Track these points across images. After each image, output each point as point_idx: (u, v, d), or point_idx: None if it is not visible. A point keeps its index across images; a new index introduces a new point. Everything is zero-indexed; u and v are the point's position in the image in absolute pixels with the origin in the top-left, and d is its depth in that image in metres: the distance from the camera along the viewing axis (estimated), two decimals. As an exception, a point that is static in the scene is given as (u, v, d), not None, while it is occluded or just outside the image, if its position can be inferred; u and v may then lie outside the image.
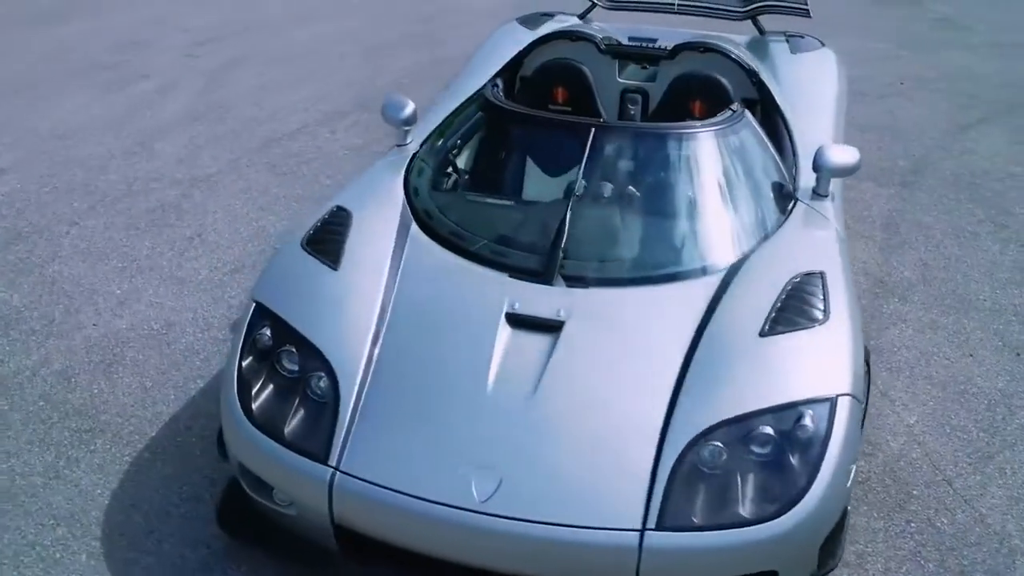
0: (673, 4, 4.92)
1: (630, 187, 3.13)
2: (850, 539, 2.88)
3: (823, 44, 4.77)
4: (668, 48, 4.22)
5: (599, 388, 2.54)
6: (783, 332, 2.62)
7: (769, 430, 2.39)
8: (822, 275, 2.83)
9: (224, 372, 2.76)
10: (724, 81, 3.98)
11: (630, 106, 4.31)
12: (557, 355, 2.60)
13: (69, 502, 3.05)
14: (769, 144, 3.47)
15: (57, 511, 3.02)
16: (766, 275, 2.84)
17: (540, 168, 3.34)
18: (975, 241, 4.87)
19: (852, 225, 4.68)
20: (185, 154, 5.85)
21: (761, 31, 4.88)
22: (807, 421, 2.40)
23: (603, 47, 4.24)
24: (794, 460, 2.36)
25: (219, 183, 5.43)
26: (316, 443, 2.50)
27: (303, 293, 2.86)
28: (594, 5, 4.99)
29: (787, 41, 4.72)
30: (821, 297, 2.74)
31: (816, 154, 3.26)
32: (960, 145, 6.24)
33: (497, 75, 4.12)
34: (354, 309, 2.78)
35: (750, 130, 3.38)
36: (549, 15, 5.03)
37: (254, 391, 2.65)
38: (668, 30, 4.61)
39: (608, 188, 3.11)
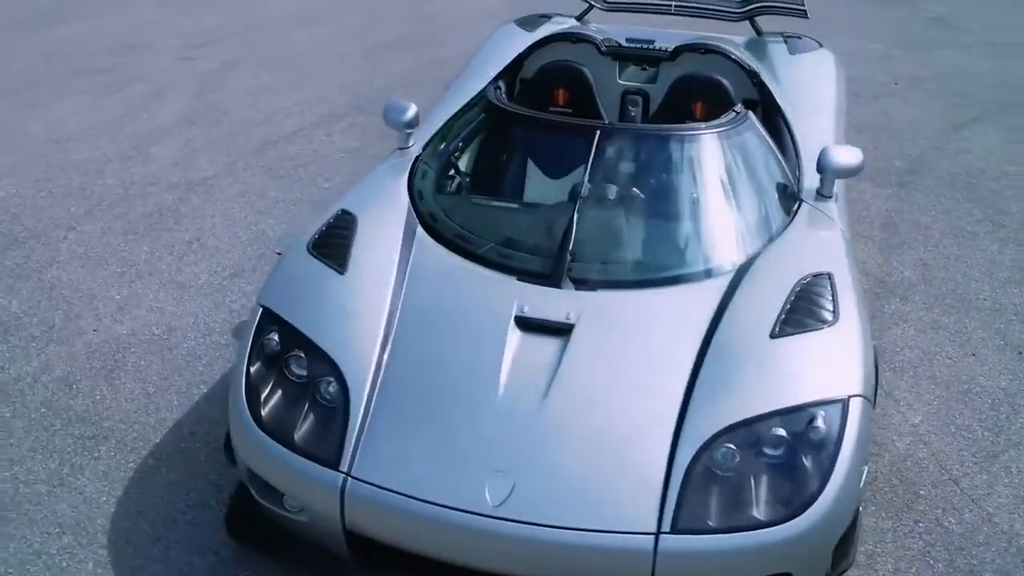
0: (670, 5, 4.93)
1: (637, 189, 3.13)
2: (860, 540, 2.88)
3: (821, 45, 4.78)
4: (668, 49, 4.22)
5: (611, 391, 2.53)
6: (793, 334, 2.62)
7: (782, 432, 2.39)
8: (830, 276, 2.83)
9: (232, 377, 2.74)
10: (725, 82, 3.98)
11: (631, 108, 4.31)
12: (568, 358, 2.59)
13: (74, 510, 3.03)
14: (773, 145, 3.48)
15: (62, 519, 2.99)
16: (774, 277, 2.85)
17: (546, 170, 3.33)
18: (974, 240, 4.89)
19: (851, 225, 4.68)
20: (181, 157, 5.82)
21: (759, 32, 4.89)
22: (819, 423, 2.40)
23: (604, 49, 4.24)
24: (807, 462, 2.36)
25: (216, 187, 5.40)
26: (327, 448, 2.48)
27: (310, 298, 2.84)
28: (591, 7, 4.99)
29: (785, 42, 4.73)
30: (830, 298, 2.74)
31: (820, 155, 3.27)
32: (955, 145, 6.27)
33: (498, 77, 4.11)
34: (362, 313, 2.77)
35: (754, 131, 3.38)
36: (547, 17, 5.03)
37: (263, 396, 2.64)
38: (666, 31, 4.62)
39: (614, 190, 3.10)
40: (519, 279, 2.85)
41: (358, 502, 2.41)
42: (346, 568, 2.59)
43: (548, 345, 2.65)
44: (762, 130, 3.47)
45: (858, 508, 2.54)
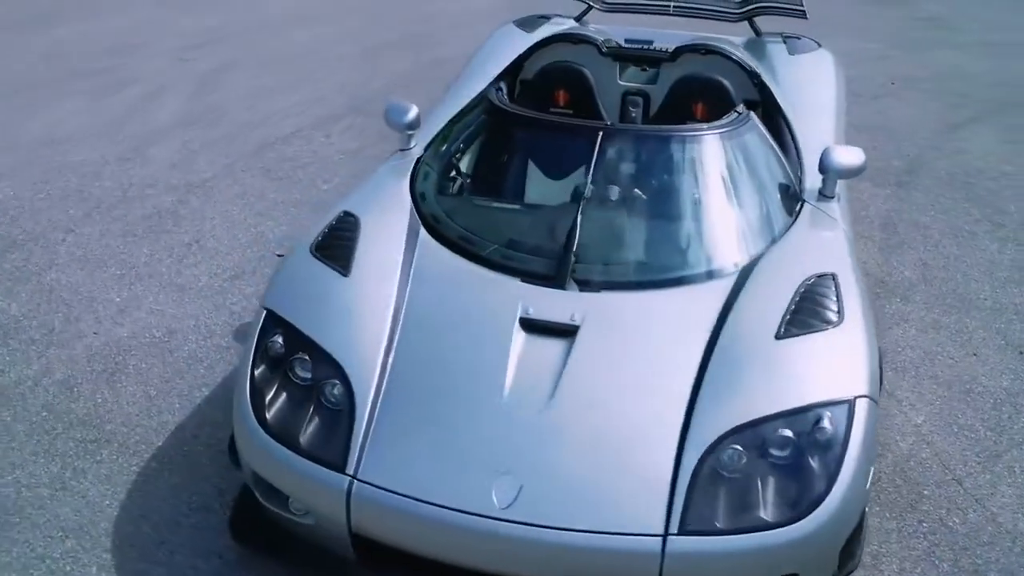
0: (669, 6, 4.93)
1: (640, 190, 3.13)
2: (865, 540, 2.88)
3: (820, 45, 4.78)
4: (669, 50, 4.22)
5: (617, 392, 2.53)
6: (798, 335, 2.62)
7: (788, 433, 2.39)
8: (834, 277, 2.83)
9: (236, 380, 2.73)
10: (726, 83, 3.98)
11: (631, 108, 4.31)
12: (573, 360, 2.59)
13: (77, 514, 3.02)
14: (775, 146, 3.48)
15: (65, 523, 2.98)
16: (778, 277, 2.85)
17: (548, 171, 3.32)
18: (973, 240, 4.90)
19: (852, 225, 4.69)
20: (179, 159, 5.80)
21: (757, 32, 4.89)
22: (826, 424, 2.40)
23: (604, 50, 4.24)
24: (814, 463, 2.36)
25: (215, 188, 5.39)
26: (333, 451, 2.47)
27: (314, 300, 2.83)
28: (590, 7, 4.98)
29: (784, 42, 4.73)
30: (834, 299, 2.74)
31: (822, 155, 3.27)
32: (952, 144, 6.29)
33: (498, 78, 4.10)
34: (367, 315, 2.76)
35: (756, 132, 3.38)
36: (545, 18, 5.02)
37: (267, 399, 2.63)
38: (664, 32, 4.62)
39: (618, 191, 3.10)
40: (523, 280, 2.85)
41: (364, 505, 2.40)
42: (351, 571, 2.58)
43: (553, 347, 2.65)
44: (764, 131, 3.47)
45: (864, 509, 2.54)
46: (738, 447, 2.38)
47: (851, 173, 3.30)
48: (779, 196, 3.25)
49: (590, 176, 3.06)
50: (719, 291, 2.82)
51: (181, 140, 6.11)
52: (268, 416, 2.59)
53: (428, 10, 9.70)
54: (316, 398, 2.61)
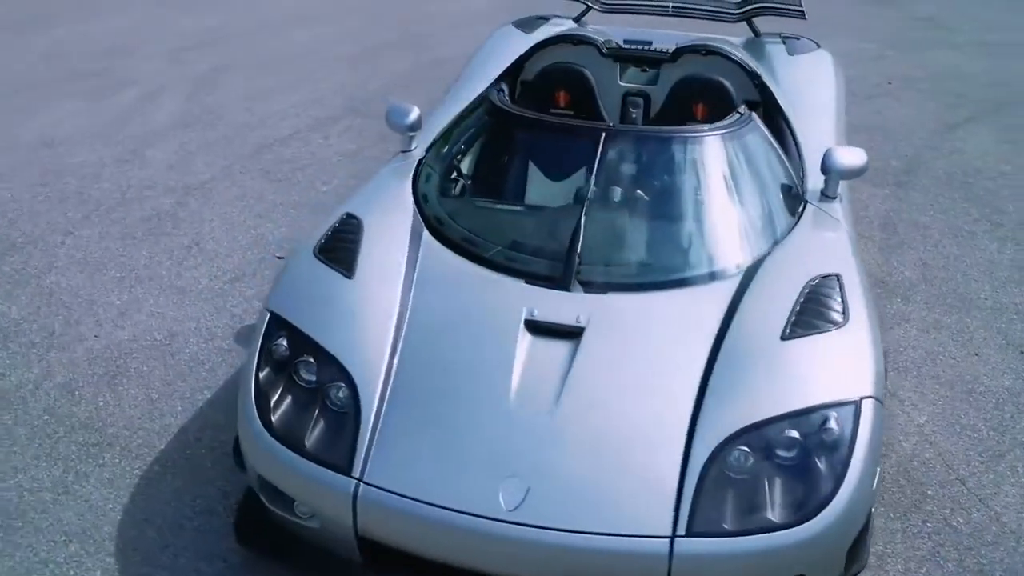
0: (667, 6, 4.93)
1: (644, 191, 3.12)
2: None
3: (819, 45, 4.79)
4: (669, 51, 4.22)
5: (623, 394, 2.53)
6: (804, 335, 2.62)
7: (795, 434, 2.39)
8: (838, 277, 2.84)
9: (240, 383, 2.72)
10: (727, 84, 3.98)
11: (632, 109, 4.31)
12: (579, 361, 2.59)
13: (80, 518, 3.00)
14: (777, 146, 3.48)
15: (68, 527, 2.97)
16: (783, 278, 2.85)
17: (552, 173, 3.32)
18: (972, 240, 4.91)
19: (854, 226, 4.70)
20: (177, 161, 5.79)
21: (756, 33, 4.89)
22: (832, 424, 2.39)
23: (605, 51, 4.24)
24: (821, 464, 2.36)
25: (213, 190, 5.38)
26: (339, 454, 2.47)
27: (319, 302, 2.83)
28: (589, 8, 4.98)
29: (783, 43, 4.74)
30: (839, 299, 2.75)
31: (825, 156, 3.27)
32: (950, 144, 6.30)
33: (498, 80, 4.10)
34: (371, 318, 2.76)
35: (759, 133, 3.39)
36: (544, 18, 5.02)
37: (272, 402, 2.62)
38: (663, 33, 4.61)
39: (622, 192, 3.10)
40: (527, 282, 2.84)
41: (371, 508, 2.40)
42: (357, 574, 2.57)
43: (559, 349, 2.64)
44: (766, 131, 3.47)
45: (871, 509, 2.54)
46: (745, 448, 2.38)
47: (853, 174, 3.31)
48: (782, 197, 3.25)
49: (593, 177, 3.06)
50: (724, 292, 2.82)
51: (178, 142, 6.09)
52: (273, 419, 2.58)
53: (427, 10, 9.68)
54: (321, 401, 2.61)
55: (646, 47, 4.36)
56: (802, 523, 2.27)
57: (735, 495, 2.33)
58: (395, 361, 2.65)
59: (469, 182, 3.48)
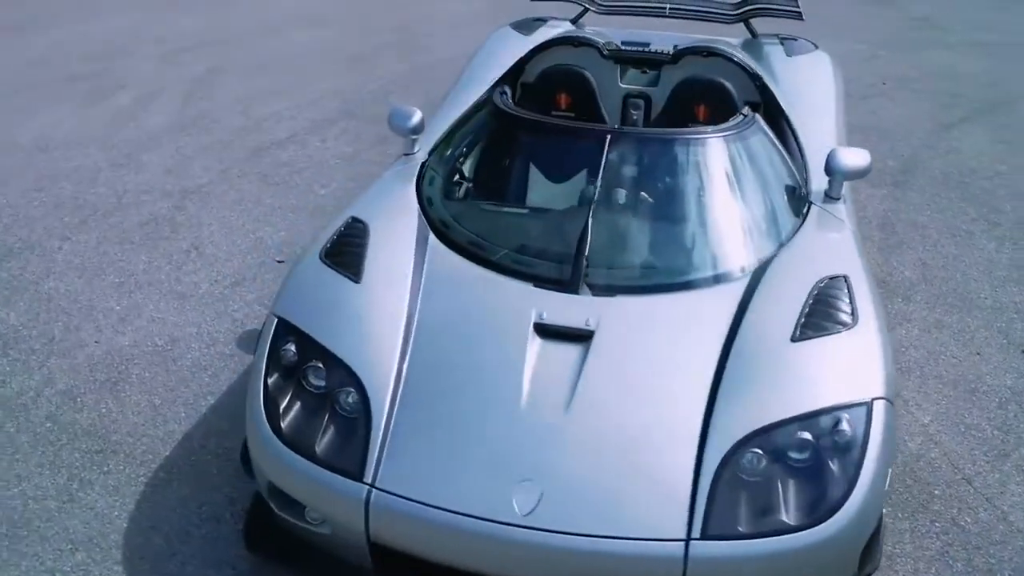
0: (665, 7, 4.92)
1: (650, 193, 3.12)
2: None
3: (816, 46, 4.79)
4: (671, 52, 4.22)
5: (634, 397, 2.52)
6: (814, 337, 2.62)
7: (807, 436, 2.39)
8: (846, 279, 2.84)
9: (249, 389, 2.70)
10: (728, 85, 3.98)
11: (632, 111, 4.31)
12: (589, 365, 2.58)
13: (86, 526, 2.98)
14: (780, 147, 3.48)
15: (74, 535, 2.94)
16: (791, 280, 2.85)
17: (558, 175, 3.32)
18: (971, 240, 4.93)
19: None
20: (173, 165, 5.76)
21: (753, 34, 4.89)
22: (845, 426, 2.40)
23: (606, 52, 4.23)
24: (834, 466, 2.36)
25: (211, 194, 5.35)
26: (350, 460, 2.46)
27: (326, 307, 2.81)
28: (586, 10, 4.97)
29: (781, 44, 4.74)
30: (847, 301, 2.75)
31: (828, 157, 3.28)
32: (946, 144, 6.33)
33: (499, 82, 4.09)
34: (380, 322, 2.74)
35: (763, 134, 3.39)
36: (542, 20, 5.01)
37: (281, 408, 2.61)
38: (660, 34, 4.61)
39: (628, 195, 3.10)
40: (536, 285, 2.83)
41: (383, 514, 2.39)
42: (367, 580, 2.56)
43: (569, 352, 2.64)
44: (770, 133, 3.48)
45: (882, 510, 2.55)
46: (757, 451, 2.38)
47: (857, 174, 3.31)
48: (786, 198, 3.25)
49: (599, 179, 3.05)
50: (732, 294, 2.82)
51: (174, 146, 6.06)
52: (283, 425, 2.57)
53: (425, 11, 9.69)
54: (331, 406, 2.59)
55: (644, 48, 4.35)
56: (817, 525, 2.27)
57: (748, 498, 2.33)
58: (404, 365, 2.64)
59: (474, 185, 3.47)
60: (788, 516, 2.29)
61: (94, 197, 5.29)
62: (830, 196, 3.33)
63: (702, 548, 2.24)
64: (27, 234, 4.86)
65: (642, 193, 3.13)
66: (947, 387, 3.70)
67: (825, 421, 2.42)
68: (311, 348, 2.69)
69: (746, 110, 3.47)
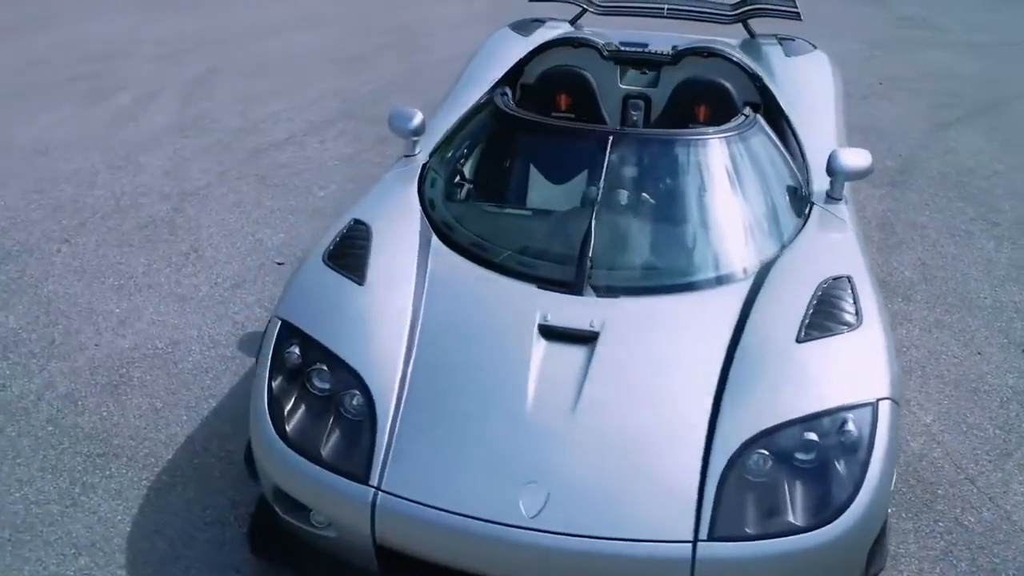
0: (663, 8, 4.92)
1: (653, 194, 3.12)
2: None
3: (815, 47, 4.80)
4: (671, 53, 4.22)
5: (640, 399, 2.52)
6: (819, 338, 2.62)
7: (813, 436, 2.39)
8: (849, 279, 2.84)
9: (253, 392, 2.69)
10: (728, 86, 3.99)
11: (632, 112, 4.31)
12: (594, 366, 2.58)
13: (89, 530, 2.97)
14: (782, 148, 3.49)
15: (78, 540, 2.93)
16: (794, 281, 2.85)
17: (560, 176, 3.32)
18: (969, 239, 4.94)
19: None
20: (172, 167, 5.75)
21: (752, 34, 4.90)
22: (850, 427, 2.40)
23: (606, 53, 4.23)
24: (840, 466, 2.36)
25: (210, 196, 5.34)
26: (356, 463, 2.45)
27: (330, 310, 2.80)
28: (584, 11, 4.97)
29: (780, 44, 4.74)
30: (851, 301, 2.75)
31: (830, 158, 3.28)
32: (943, 144, 6.34)
33: (499, 83, 4.09)
34: (384, 324, 2.74)
35: (765, 135, 3.40)
36: (540, 21, 5.00)
37: (286, 411, 2.60)
38: (658, 35, 4.61)
39: (631, 196, 3.10)
40: (539, 287, 2.83)
41: (389, 516, 2.38)
42: (373, 583, 2.56)
43: (573, 353, 2.63)
44: (771, 133, 3.48)
45: (888, 510, 2.55)
46: (764, 452, 2.38)
47: (859, 175, 3.32)
48: (789, 199, 3.26)
49: (602, 181, 3.05)
50: (736, 295, 2.82)
51: (172, 148, 6.05)
52: (287, 428, 2.56)
53: (425, 13, 9.71)
54: (335, 409, 2.59)
55: (643, 49, 4.36)
56: (824, 525, 2.27)
57: (755, 499, 2.33)
58: (409, 368, 2.64)
59: (476, 187, 3.47)
60: (795, 517, 2.29)
61: (92, 200, 5.27)
62: (832, 197, 3.34)
63: (710, 549, 2.24)
64: (25, 237, 4.84)
65: (645, 194, 3.13)
66: (948, 387, 3.71)
67: (831, 422, 2.42)
68: (315, 351, 2.68)
69: (747, 111, 3.47)
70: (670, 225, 3.09)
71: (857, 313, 2.71)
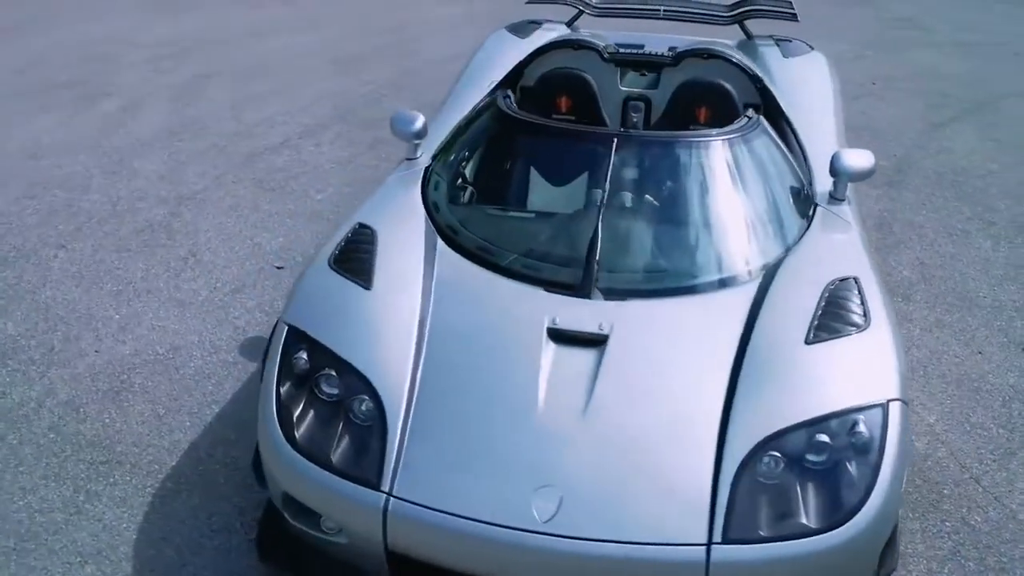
0: (659, 9, 4.92)
1: (658, 196, 3.12)
2: (894, 541, 2.90)
3: (812, 47, 4.81)
4: (671, 55, 4.22)
5: (650, 402, 2.52)
6: (828, 339, 2.62)
7: (825, 438, 2.39)
8: (856, 280, 2.85)
9: (261, 398, 2.67)
10: (728, 87, 3.98)
11: (632, 114, 4.30)
12: (605, 369, 2.57)
13: (94, 538, 2.95)
14: (784, 149, 3.49)
15: (83, 548, 2.91)
16: (801, 282, 2.85)
17: (565, 179, 3.31)
18: (967, 239, 4.96)
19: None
20: (167, 171, 5.72)
21: (748, 35, 4.90)
22: (862, 428, 2.40)
23: (606, 55, 4.23)
24: (852, 467, 2.36)
25: (207, 200, 5.31)
26: (366, 468, 2.43)
27: (337, 314, 2.79)
28: (581, 12, 4.97)
29: (777, 45, 4.74)
30: (859, 302, 2.76)
31: (833, 159, 3.29)
32: (937, 144, 6.37)
33: (499, 85, 4.08)
34: (392, 329, 2.72)
35: (768, 136, 3.40)
36: (537, 23, 5.00)
37: (295, 417, 2.58)
38: (656, 36, 4.61)
39: (637, 198, 3.10)
40: (547, 290, 2.82)
41: (401, 522, 2.37)
42: (383, 589, 2.54)
43: (583, 357, 2.63)
44: (774, 134, 3.49)
45: (899, 510, 2.55)
46: (776, 454, 2.38)
47: (862, 176, 3.32)
48: (793, 200, 3.26)
49: (607, 183, 3.04)
50: (744, 296, 2.82)
51: (167, 152, 6.02)
52: (296, 434, 2.54)
53: (423, 14, 9.72)
54: (344, 414, 2.57)
55: (639, 50, 4.35)
56: (837, 527, 2.27)
57: (768, 501, 2.32)
58: (418, 372, 2.62)
59: (480, 190, 3.45)
60: (808, 519, 2.29)
61: (88, 204, 5.24)
62: (835, 198, 3.34)
63: (724, 552, 2.24)
64: (21, 242, 4.81)
65: (650, 196, 3.13)
66: (951, 386, 3.72)
67: (842, 423, 2.42)
68: (323, 356, 2.67)
69: (750, 112, 3.47)
70: (676, 227, 3.09)
71: (865, 314, 2.71)
